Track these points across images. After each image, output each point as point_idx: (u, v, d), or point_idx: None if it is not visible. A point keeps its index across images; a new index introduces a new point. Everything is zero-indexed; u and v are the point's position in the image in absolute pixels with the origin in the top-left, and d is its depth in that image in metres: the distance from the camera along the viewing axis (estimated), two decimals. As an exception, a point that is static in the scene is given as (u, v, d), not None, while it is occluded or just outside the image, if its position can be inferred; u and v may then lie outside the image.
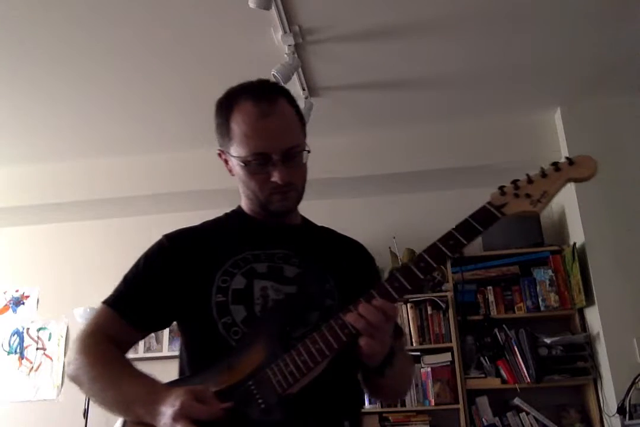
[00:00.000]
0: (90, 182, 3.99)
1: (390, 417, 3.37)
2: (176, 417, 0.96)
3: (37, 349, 4.00)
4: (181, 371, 1.22)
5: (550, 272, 3.44)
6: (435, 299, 3.51)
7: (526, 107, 3.63)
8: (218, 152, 1.26)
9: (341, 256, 1.29)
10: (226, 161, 1.25)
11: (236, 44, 2.88)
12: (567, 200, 3.60)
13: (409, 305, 3.54)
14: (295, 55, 2.86)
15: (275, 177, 1.16)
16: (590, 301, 3.27)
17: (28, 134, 3.67)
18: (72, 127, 3.63)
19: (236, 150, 1.18)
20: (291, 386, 1.03)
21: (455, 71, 3.22)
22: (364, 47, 2.96)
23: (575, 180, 1.06)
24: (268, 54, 2.87)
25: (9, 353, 4.03)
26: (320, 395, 1.08)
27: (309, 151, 1.22)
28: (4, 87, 3.17)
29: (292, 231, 1.29)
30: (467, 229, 1.06)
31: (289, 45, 2.81)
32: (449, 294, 3.50)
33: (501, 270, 3.53)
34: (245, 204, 1.31)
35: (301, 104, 3.22)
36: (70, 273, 4.08)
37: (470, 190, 3.94)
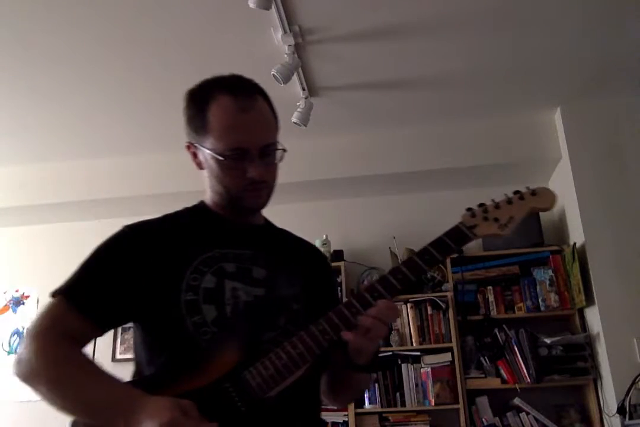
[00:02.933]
0: (90, 182, 3.99)
1: (390, 417, 3.38)
2: None
3: (37, 349, 4.01)
4: (138, 370, 1.16)
5: (550, 272, 3.44)
6: (435, 299, 3.51)
7: (526, 107, 3.63)
8: (187, 144, 1.21)
9: (304, 259, 1.29)
10: (195, 154, 1.20)
11: (236, 44, 2.88)
12: (567, 201, 3.59)
13: (409, 305, 3.54)
14: (295, 55, 2.86)
15: (252, 173, 1.13)
16: (590, 301, 3.27)
17: (28, 134, 3.67)
18: (71, 127, 3.62)
19: (213, 144, 1.14)
20: (272, 389, 1.03)
21: (455, 71, 3.22)
22: (364, 47, 2.96)
23: (537, 210, 1.17)
24: (268, 54, 2.87)
25: (9, 353, 4.03)
26: (296, 398, 1.09)
27: (284, 150, 1.19)
28: (3, 87, 3.17)
29: (257, 231, 1.26)
30: (442, 246, 1.11)
31: (289, 45, 2.81)
32: (449, 294, 3.50)
33: (501, 270, 3.53)
34: (211, 200, 1.25)
35: (301, 104, 3.22)
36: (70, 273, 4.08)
37: (471, 190, 3.95)
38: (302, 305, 1.19)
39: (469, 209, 1.15)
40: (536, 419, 3.28)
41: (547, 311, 3.41)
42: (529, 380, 3.27)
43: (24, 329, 4.07)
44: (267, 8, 2.42)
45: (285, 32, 2.74)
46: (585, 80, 3.34)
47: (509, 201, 1.15)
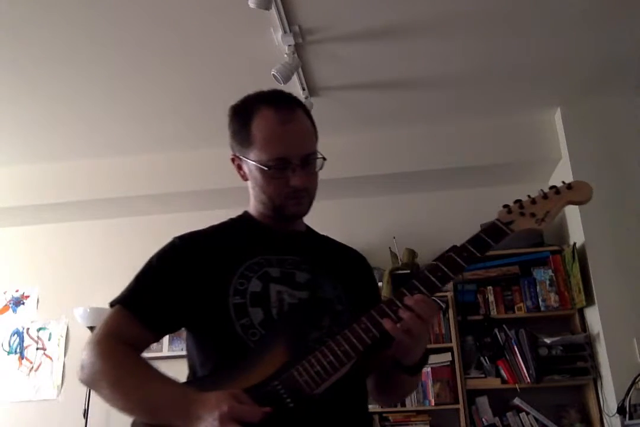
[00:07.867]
0: (90, 182, 3.99)
1: (390, 417, 3.37)
2: (224, 420, 0.95)
3: (37, 349, 4.00)
4: (192, 372, 1.21)
5: (550, 272, 3.44)
6: (435, 299, 3.50)
7: (526, 107, 3.63)
8: (232, 157, 1.28)
9: (345, 264, 1.34)
10: (239, 166, 1.27)
11: (236, 44, 2.88)
12: (567, 201, 3.59)
13: (409, 305, 3.53)
14: (295, 55, 2.86)
15: (294, 182, 1.20)
16: (590, 301, 3.26)
17: (28, 134, 3.67)
18: (72, 127, 3.63)
19: (256, 155, 1.20)
20: (318, 386, 1.06)
21: (455, 71, 3.22)
22: (364, 47, 2.96)
23: (574, 203, 1.20)
24: (268, 54, 2.87)
25: (9, 353, 4.03)
26: (343, 395, 1.11)
27: (324, 159, 1.27)
28: (4, 87, 3.17)
29: (300, 237, 1.33)
30: (480, 242, 1.14)
31: (289, 45, 2.81)
32: (449, 294, 3.50)
33: (501, 270, 3.52)
34: (255, 209, 1.32)
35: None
36: (70, 273, 4.08)
37: (470, 190, 3.95)
38: (346, 306, 1.23)
39: (505, 206, 1.18)
40: (536, 419, 3.28)
41: (547, 311, 3.40)
42: (529, 380, 3.26)
43: (23, 329, 4.07)
44: (267, 8, 2.43)
45: (285, 32, 2.74)
46: (585, 80, 3.34)
47: (545, 196, 1.18)
